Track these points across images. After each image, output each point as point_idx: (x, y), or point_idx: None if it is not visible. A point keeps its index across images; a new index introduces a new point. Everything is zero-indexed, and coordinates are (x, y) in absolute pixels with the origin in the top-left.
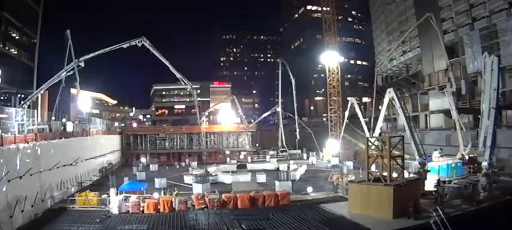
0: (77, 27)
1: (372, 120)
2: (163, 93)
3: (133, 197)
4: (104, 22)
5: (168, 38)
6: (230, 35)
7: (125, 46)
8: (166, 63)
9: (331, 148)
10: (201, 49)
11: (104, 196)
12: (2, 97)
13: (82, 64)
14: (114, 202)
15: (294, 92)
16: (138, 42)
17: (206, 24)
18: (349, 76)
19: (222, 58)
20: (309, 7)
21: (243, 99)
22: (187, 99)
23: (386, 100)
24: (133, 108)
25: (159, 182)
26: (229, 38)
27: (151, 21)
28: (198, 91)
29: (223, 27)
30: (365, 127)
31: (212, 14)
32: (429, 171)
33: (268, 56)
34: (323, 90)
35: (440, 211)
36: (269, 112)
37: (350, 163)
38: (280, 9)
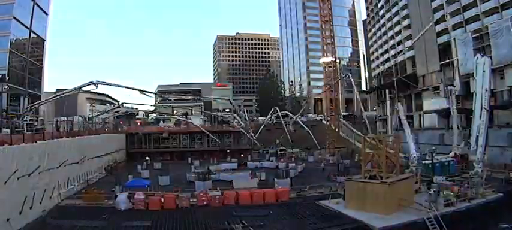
0: (79, 26)
1: None
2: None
3: (137, 194)
4: (106, 22)
5: (169, 39)
6: (231, 37)
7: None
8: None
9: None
10: (202, 50)
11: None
12: (11, 98)
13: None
14: (119, 198)
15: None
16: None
17: (207, 26)
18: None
19: (222, 60)
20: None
21: (243, 100)
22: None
23: None
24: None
25: (162, 179)
26: (229, 40)
27: (152, 22)
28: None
29: (224, 29)
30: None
31: (213, 15)
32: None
33: (269, 56)
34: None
35: (433, 208)
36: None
37: (347, 161)
38: (279, 11)
